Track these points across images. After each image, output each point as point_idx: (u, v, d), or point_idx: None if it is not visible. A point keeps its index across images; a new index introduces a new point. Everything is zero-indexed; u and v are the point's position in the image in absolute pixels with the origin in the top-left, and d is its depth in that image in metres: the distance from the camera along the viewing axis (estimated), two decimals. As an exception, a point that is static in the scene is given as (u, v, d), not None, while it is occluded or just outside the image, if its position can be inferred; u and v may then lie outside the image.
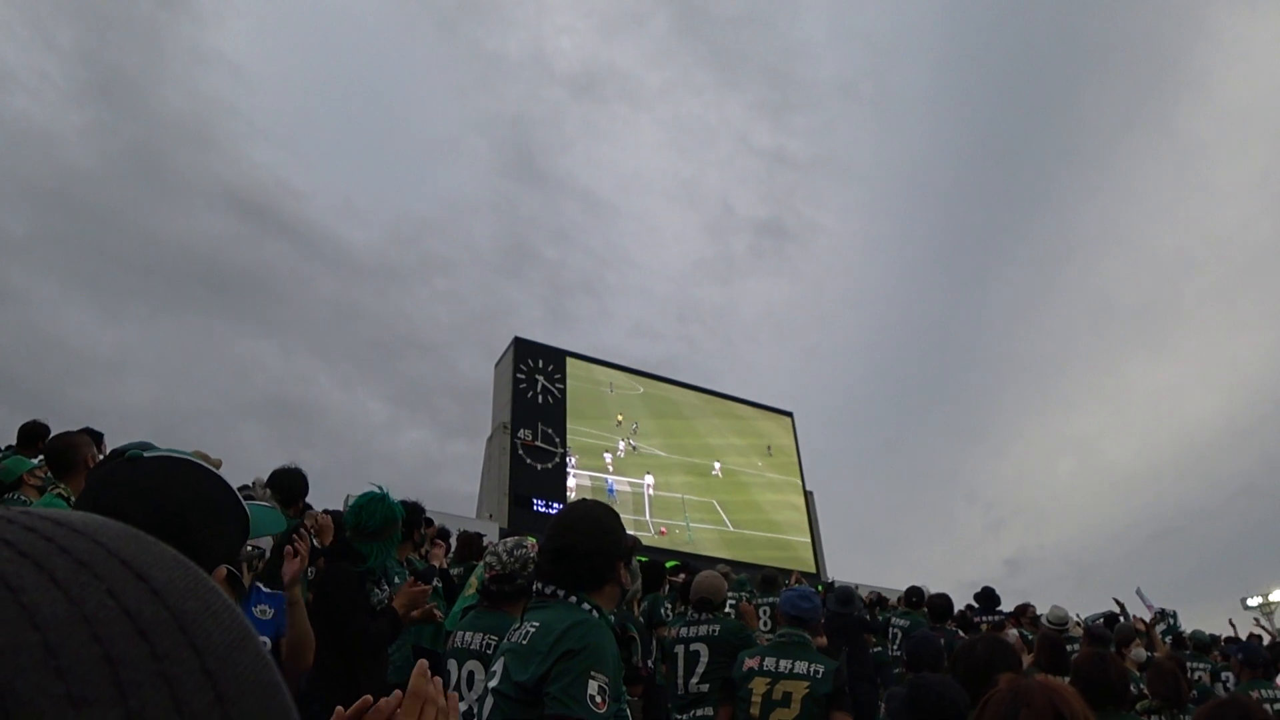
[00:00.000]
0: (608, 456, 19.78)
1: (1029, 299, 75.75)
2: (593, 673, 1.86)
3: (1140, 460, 69.82)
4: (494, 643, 2.95)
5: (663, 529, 19.42)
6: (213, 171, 52.99)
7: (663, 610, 6.56)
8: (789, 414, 24.47)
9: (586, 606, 2.06)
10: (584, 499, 2.92)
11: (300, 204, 58.60)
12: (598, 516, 2.22)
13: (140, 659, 0.27)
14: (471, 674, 2.98)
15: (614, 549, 2.16)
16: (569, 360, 20.30)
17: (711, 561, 13.13)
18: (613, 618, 2.26)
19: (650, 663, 5.69)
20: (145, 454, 1.15)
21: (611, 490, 18.97)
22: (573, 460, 18.91)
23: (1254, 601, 22.80)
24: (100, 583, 0.28)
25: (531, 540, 3.46)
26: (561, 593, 2.08)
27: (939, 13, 77.13)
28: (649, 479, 19.98)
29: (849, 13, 76.87)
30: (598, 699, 1.83)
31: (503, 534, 12.45)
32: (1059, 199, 73.97)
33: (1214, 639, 12.04)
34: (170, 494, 1.11)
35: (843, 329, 75.98)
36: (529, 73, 68.75)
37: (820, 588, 13.79)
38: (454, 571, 6.31)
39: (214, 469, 1.19)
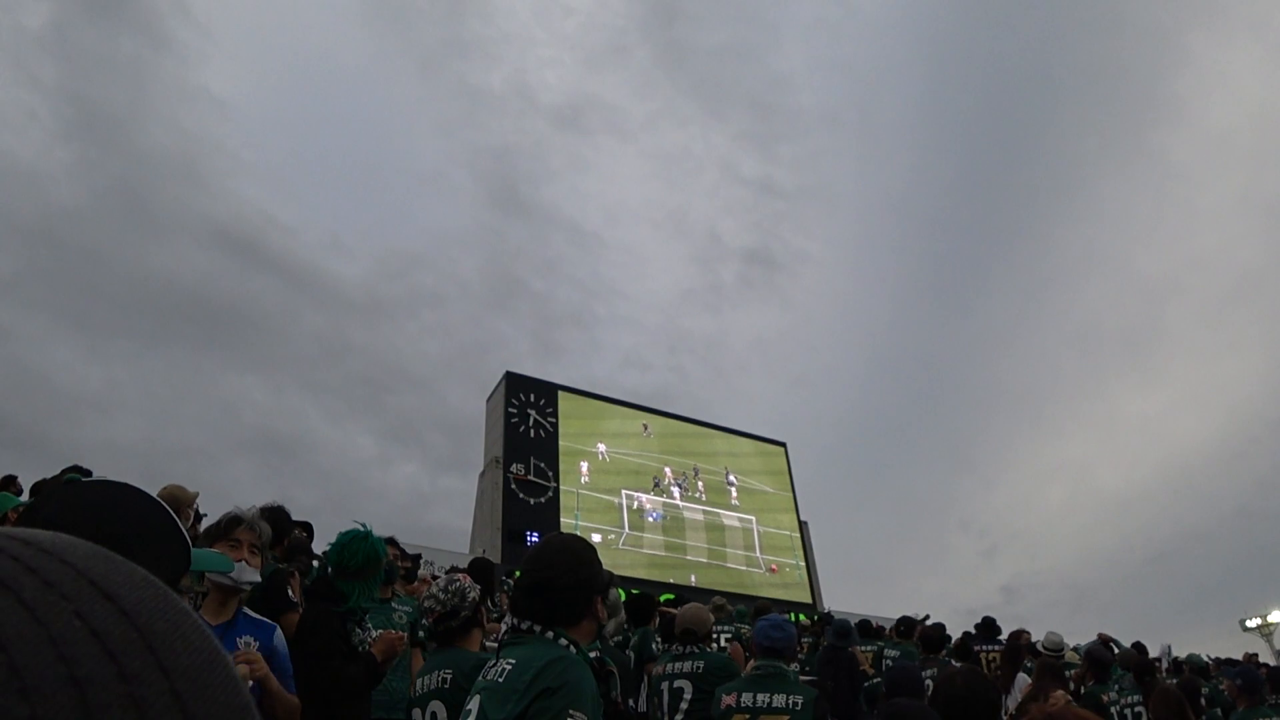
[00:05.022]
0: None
1: (1015, 325, 76.32)
2: (571, 711, 1.82)
3: (1132, 484, 69.80)
4: (449, 676, 2.93)
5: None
6: (199, 207, 53.25)
7: (653, 645, 6.50)
8: (782, 444, 24.44)
9: (564, 642, 2.02)
10: (559, 532, 2.88)
11: (287, 239, 58.88)
12: (575, 550, 2.17)
13: (108, 680, 0.27)
14: (435, 715, 2.92)
15: (592, 583, 2.12)
16: (564, 395, 20.27)
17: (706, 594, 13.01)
18: (594, 653, 2.22)
19: (637, 700, 5.61)
20: (84, 479, 1.20)
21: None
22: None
23: (1252, 623, 22.74)
24: (68, 603, 0.28)
25: (463, 574, 3.46)
26: (538, 628, 2.05)
27: (919, 42, 78.59)
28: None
29: (831, 43, 78.27)
30: None
31: (496, 569, 12.32)
32: (1041, 225, 74.89)
33: (1215, 660, 11.97)
34: (109, 515, 1.12)
35: (832, 358, 76.35)
36: (513, 106, 69.55)
37: (816, 618, 13.67)
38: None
39: (155, 496, 1.19)
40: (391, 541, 5.15)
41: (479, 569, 6.32)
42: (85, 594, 0.29)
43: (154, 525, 1.15)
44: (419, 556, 8.53)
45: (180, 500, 4.06)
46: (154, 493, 1.19)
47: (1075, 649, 9.55)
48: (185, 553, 1.19)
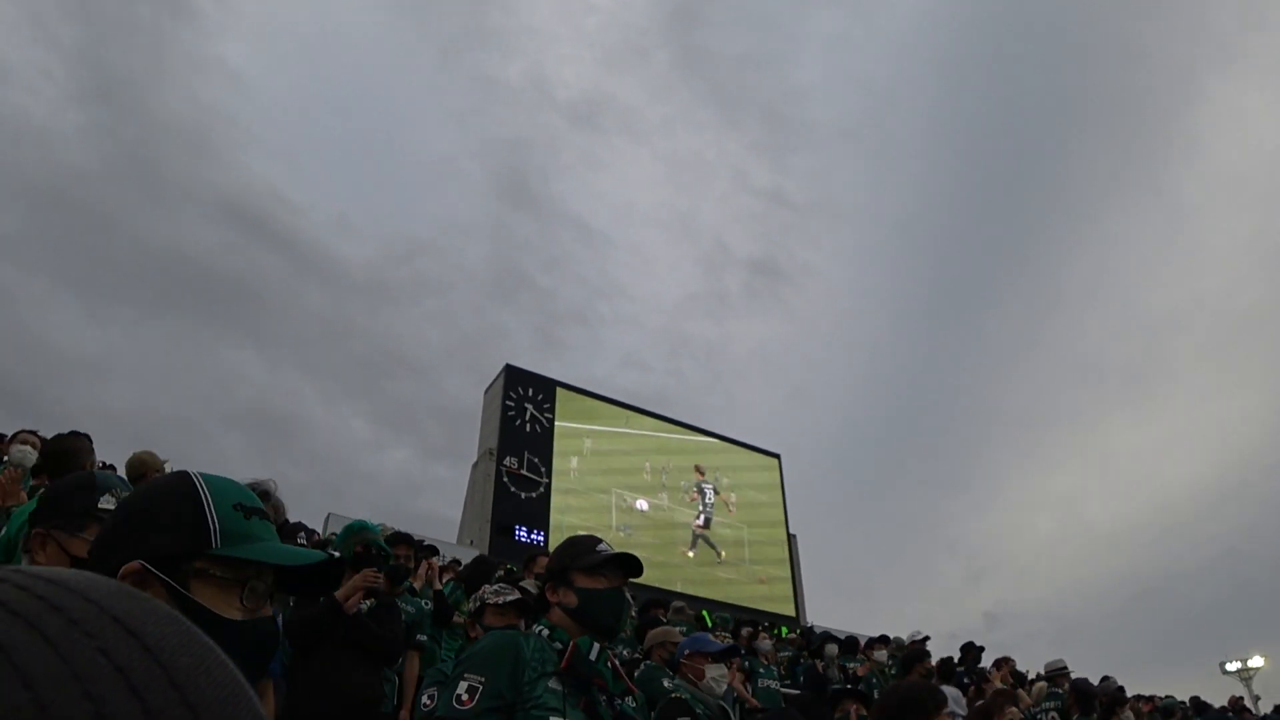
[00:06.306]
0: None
1: (1014, 351, 76.37)
2: (465, 675, 1.96)
3: (1120, 520, 69.56)
4: None
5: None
6: (208, 178, 53.36)
7: (624, 651, 6.66)
8: (776, 455, 24.45)
9: (536, 628, 2.16)
10: None
11: (294, 216, 58.93)
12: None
13: (133, 716, 0.27)
14: None
15: (550, 572, 2.28)
16: (562, 391, 20.28)
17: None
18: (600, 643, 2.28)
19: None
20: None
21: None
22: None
23: (1232, 666, 22.74)
24: (92, 640, 0.28)
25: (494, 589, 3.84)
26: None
27: (936, 64, 78.79)
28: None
29: (849, 59, 78.46)
30: (464, 696, 1.92)
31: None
32: (1047, 253, 75.04)
33: (1193, 700, 11.98)
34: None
35: (831, 372, 76.51)
36: (529, 100, 69.57)
37: (799, 632, 13.67)
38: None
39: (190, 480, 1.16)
40: (404, 540, 5.01)
41: (478, 568, 6.16)
42: (109, 631, 0.29)
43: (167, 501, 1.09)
44: (433, 548, 8.20)
45: (148, 466, 4.01)
46: (123, 459, 1.20)
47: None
48: (204, 528, 1.11)
